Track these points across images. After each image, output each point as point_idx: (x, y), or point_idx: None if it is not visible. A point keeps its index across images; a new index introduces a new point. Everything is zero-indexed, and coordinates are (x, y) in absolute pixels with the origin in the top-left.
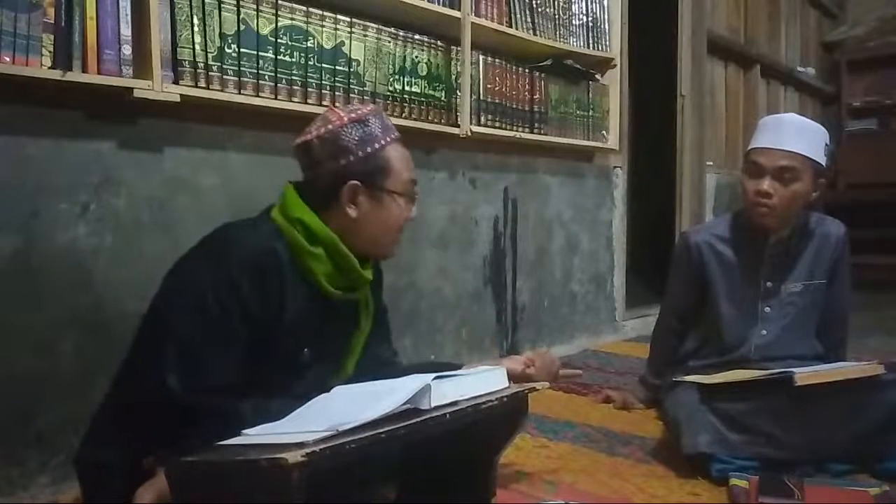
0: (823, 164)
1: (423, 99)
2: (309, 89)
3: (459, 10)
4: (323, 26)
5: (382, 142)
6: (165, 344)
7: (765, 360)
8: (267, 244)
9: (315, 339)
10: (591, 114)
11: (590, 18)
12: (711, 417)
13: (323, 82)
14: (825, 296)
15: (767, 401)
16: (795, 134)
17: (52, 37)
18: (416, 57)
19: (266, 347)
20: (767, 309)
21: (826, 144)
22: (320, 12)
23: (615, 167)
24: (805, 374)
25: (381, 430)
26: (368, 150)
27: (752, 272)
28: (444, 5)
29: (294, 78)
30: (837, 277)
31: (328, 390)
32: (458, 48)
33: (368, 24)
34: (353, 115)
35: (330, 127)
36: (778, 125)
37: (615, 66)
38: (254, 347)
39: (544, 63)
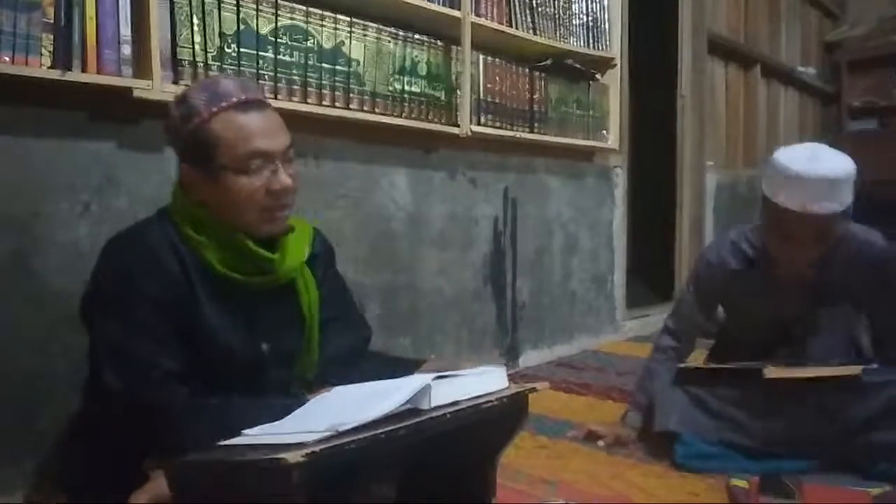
0: (852, 201)
1: (422, 99)
2: (309, 89)
3: (459, 9)
4: (323, 26)
5: (204, 115)
6: (97, 350)
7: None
8: (155, 233)
9: (268, 333)
10: (591, 113)
11: (590, 18)
12: (683, 398)
13: (323, 82)
14: (875, 316)
15: (740, 390)
16: (829, 192)
17: (51, 36)
18: (416, 57)
19: (211, 347)
20: (792, 329)
21: (855, 182)
22: (320, 12)
23: (615, 167)
24: (776, 369)
25: (380, 431)
26: (189, 126)
27: (780, 298)
28: (444, 5)
29: (294, 78)
30: (887, 302)
31: (289, 384)
32: (458, 48)
33: (368, 23)
34: (180, 94)
35: (167, 111)
36: (806, 184)
37: (615, 65)
38: (193, 343)
39: (544, 63)
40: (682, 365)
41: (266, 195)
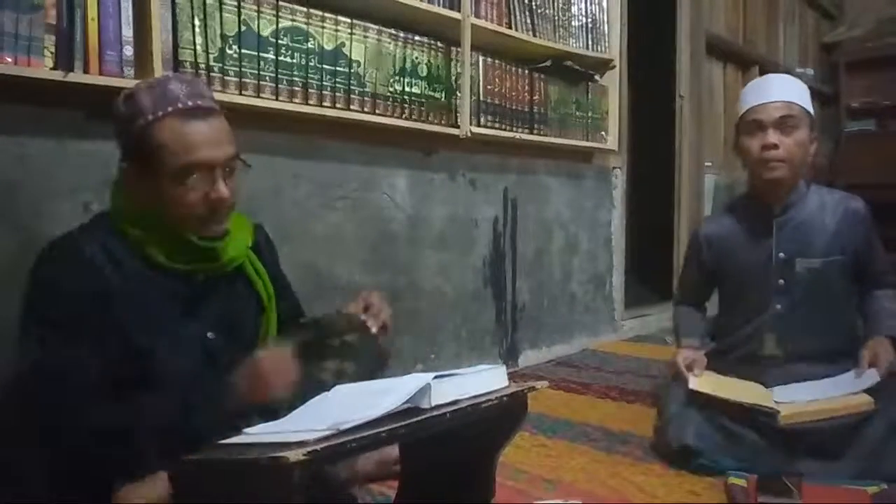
0: (813, 115)
1: (423, 100)
2: (310, 90)
3: (459, 11)
4: (323, 27)
5: (150, 117)
6: (24, 361)
7: (780, 347)
8: (88, 240)
9: (215, 322)
10: (590, 115)
11: (589, 20)
12: (698, 416)
13: (323, 83)
14: (861, 271)
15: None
16: (785, 86)
17: (53, 38)
18: (417, 58)
19: (156, 341)
20: (782, 282)
21: (808, 94)
22: (321, 13)
23: (614, 168)
24: (790, 412)
25: (381, 430)
26: (133, 127)
27: (763, 245)
28: (444, 7)
29: (295, 79)
30: (868, 251)
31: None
32: (458, 49)
33: (369, 25)
34: (129, 90)
35: (113, 103)
36: (765, 82)
37: (614, 67)
38: (136, 344)
39: (544, 64)
40: (693, 387)
41: (202, 205)
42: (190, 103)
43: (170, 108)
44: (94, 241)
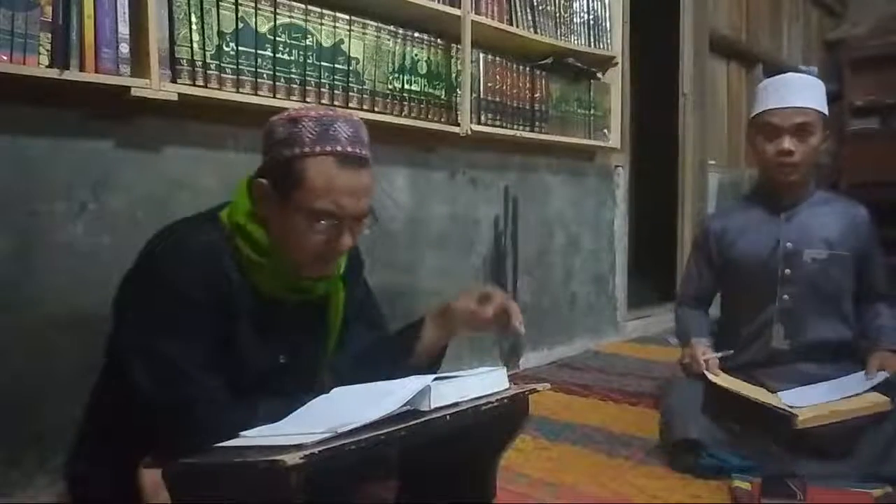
0: (827, 114)
1: (422, 97)
2: (308, 87)
3: (459, 7)
4: (322, 24)
5: (306, 149)
6: (128, 345)
7: (787, 339)
8: (204, 239)
9: (288, 347)
10: (592, 112)
11: (591, 16)
12: (702, 410)
13: (322, 80)
14: (860, 277)
15: (765, 425)
16: (803, 90)
17: (49, 35)
18: (416, 55)
19: (231, 357)
20: (788, 271)
21: (824, 95)
22: (319, 10)
23: (616, 166)
24: (807, 414)
25: (380, 432)
26: (287, 152)
27: (770, 235)
28: (444, 3)
29: (293, 76)
30: (870, 258)
31: (304, 397)
32: (459, 46)
33: (368, 21)
34: (294, 113)
35: (272, 119)
36: (783, 84)
37: (616, 64)
38: (220, 357)
39: (545, 61)
40: (712, 379)
41: (322, 249)
42: (350, 149)
43: (328, 148)
44: (209, 244)
